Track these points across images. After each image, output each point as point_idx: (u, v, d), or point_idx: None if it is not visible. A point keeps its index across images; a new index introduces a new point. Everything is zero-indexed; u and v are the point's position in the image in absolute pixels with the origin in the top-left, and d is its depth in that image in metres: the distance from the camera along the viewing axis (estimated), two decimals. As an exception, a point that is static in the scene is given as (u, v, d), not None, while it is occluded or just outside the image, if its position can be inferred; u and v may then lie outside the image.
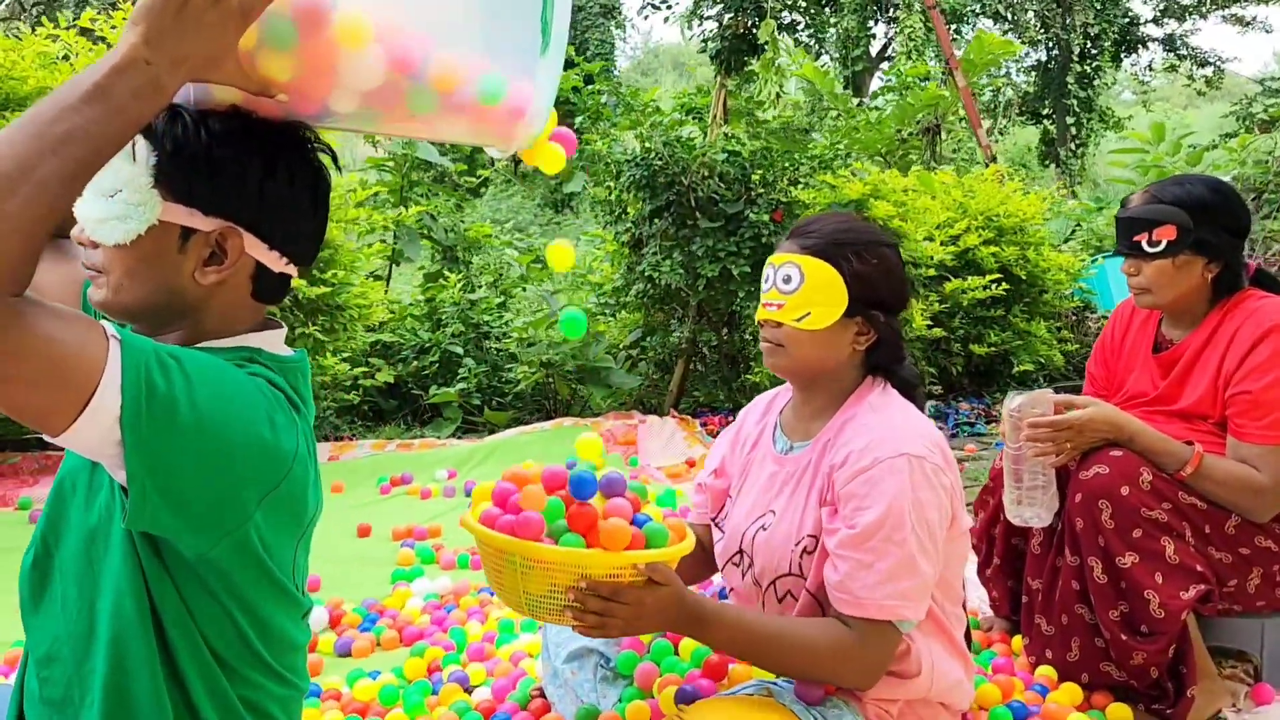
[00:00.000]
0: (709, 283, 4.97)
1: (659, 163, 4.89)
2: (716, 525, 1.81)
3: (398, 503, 3.71)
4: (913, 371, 1.75)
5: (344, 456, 4.22)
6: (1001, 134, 16.62)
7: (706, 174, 4.93)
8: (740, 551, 1.72)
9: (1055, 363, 5.84)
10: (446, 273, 5.91)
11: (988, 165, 7.01)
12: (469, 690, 2.03)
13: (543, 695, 1.95)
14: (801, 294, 1.64)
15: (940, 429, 2.03)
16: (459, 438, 4.83)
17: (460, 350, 5.47)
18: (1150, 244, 2.10)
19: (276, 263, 1.24)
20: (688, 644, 1.91)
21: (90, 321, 1.04)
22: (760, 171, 5.04)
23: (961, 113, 6.92)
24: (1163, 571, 1.93)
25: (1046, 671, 2.09)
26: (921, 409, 1.75)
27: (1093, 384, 2.39)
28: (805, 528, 1.64)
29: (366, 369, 5.16)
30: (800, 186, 5.09)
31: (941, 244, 5.52)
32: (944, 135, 7.55)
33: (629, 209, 5.19)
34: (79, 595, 1.17)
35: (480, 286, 6.02)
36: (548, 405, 5.21)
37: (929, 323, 5.17)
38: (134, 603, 1.13)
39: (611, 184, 5.13)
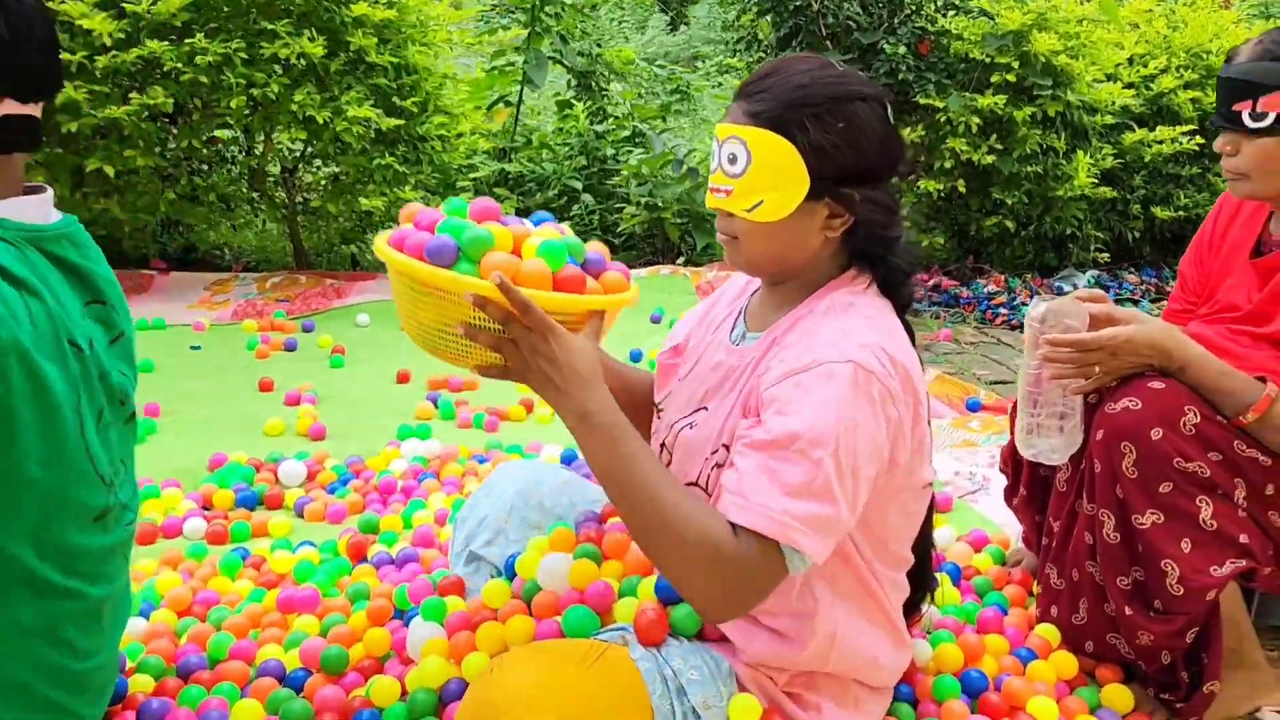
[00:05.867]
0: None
1: (787, -18, 4.34)
2: (657, 410, 1.55)
3: (460, 347, 3.59)
4: (908, 260, 1.38)
5: (425, 293, 4.13)
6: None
7: (842, -4, 4.34)
8: (663, 446, 1.46)
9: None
10: (574, 101, 5.61)
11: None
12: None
13: (448, 592, 1.80)
14: (750, 177, 1.29)
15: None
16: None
17: (579, 185, 5.23)
18: (1254, 116, 1.58)
19: None
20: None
21: None
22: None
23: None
24: (1192, 539, 1.53)
25: (1046, 632, 1.74)
26: (904, 309, 1.40)
27: (1184, 288, 1.90)
28: (723, 435, 1.35)
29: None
30: (952, 14, 4.40)
31: (1128, 86, 4.69)
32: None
33: (759, 33, 4.68)
34: None
35: (610, 119, 5.69)
36: (659, 249, 4.94)
37: (1095, 180, 4.47)
38: None
39: (739, 4, 4.62)
